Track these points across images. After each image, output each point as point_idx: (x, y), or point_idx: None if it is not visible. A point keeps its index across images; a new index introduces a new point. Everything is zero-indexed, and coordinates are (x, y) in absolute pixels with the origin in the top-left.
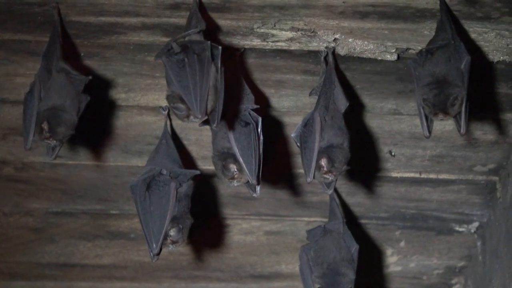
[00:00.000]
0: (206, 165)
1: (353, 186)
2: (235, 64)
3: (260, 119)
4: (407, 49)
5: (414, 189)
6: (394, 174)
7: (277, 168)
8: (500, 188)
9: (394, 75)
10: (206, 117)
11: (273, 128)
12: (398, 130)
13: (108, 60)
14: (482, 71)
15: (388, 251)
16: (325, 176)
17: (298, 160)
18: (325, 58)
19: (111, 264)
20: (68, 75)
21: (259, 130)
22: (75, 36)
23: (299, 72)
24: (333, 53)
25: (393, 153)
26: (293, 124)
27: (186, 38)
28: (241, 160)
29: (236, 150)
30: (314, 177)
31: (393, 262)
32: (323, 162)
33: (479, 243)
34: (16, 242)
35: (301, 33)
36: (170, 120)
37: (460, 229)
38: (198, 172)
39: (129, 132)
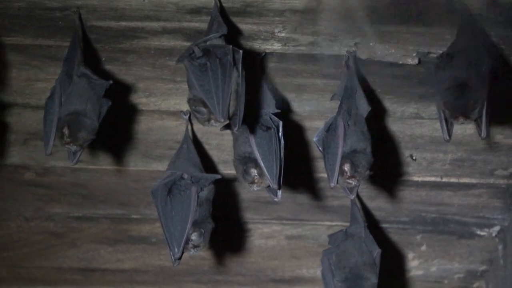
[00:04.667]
0: (227, 170)
1: (374, 190)
2: (256, 68)
3: (281, 123)
4: (428, 53)
5: (435, 193)
6: (415, 178)
7: (298, 173)
8: None
9: (415, 79)
10: (227, 121)
11: (294, 133)
12: (419, 134)
13: (129, 64)
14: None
15: (410, 255)
16: (348, 181)
17: (319, 164)
18: (346, 62)
19: (132, 269)
20: (89, 80)
21: (280, 134)
22: (95, 40)
23: (320, 76)
24: (354, 57)
25: (414, 157)
26: (314, 129)
27: (208, 42)
28: (262, 164)
29: (257, 155)
30: (337, 182)
31: (414, 266)
32: (347, 167)
33: (500, 247)
34: (37, 247)
35: (322, 37)
36: (191, 124)
37: (481, 233)
38: (219, 176)
39: (150, 137)
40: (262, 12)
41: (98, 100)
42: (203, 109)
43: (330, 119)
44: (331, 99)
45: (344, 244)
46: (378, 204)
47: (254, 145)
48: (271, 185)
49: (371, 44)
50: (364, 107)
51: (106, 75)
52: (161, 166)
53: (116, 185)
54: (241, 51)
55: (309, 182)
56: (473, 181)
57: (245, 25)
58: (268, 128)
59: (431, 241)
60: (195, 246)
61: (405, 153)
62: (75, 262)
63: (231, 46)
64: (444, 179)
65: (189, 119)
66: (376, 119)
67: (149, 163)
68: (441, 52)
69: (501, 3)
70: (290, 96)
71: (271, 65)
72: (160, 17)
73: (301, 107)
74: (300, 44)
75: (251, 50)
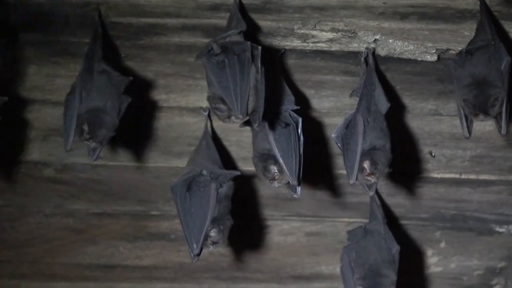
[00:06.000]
0: (247, 166)
1: (393, 187)
2: (275, 65)
3: (300, 120)
4: (447, 49)
5: (454, 189)
6: (434, 175)
7: (317, 169)
8: None
9: (434, 76)
10: (247, 118)
11: (313, 129)
12: (438, 131)
13: (149, 61)
14: None
15: (429, 252)
16: (367, 178)
17: (338, 161)
18: (365, 59)
19: (151, 265)
20: (109, 76)
21: (299, 131)
22: (115, 37)
23: (339, 73)
24: (373, 54)
25: (433, 154)
26: (333, 125)
27: (227, 39)
28: (281, 161)
29: (276, 151)
30: (356, 179)
31: (433, 263)
32: (366, 164)
33: None
34: (57, 244)
35: (341, 34)
36: (211, 121)
37: (500, 230)
38: (238, 173)
39: (170, 133)
40: (282, 8)
41: (118, 96)
42: (223, 106)
43: (349, 116)
44: (350, 96)
45: (363, 241)
46: (397, 200)
47: (273, 142)
48: (290, 182)
49: (390, 41)
50: (383, 104)
51: (126, 72)
52: (181, 163)
53: (135, 182)
54: (259, 47)
55: (328, 179)
56: (492, 178)
57: (264, 22)
58: (287, 124)
59: (450, 237)
60: (213, 243)
61: (424, 150)
62: (94, 259)
63: (249, 42)
64: (463, 176)
65: (209, 116)
66: (395, 115)
67: (168, 160)
68: (460, 48)
69: None
70: (309, 93)
71: (291, 61)
72: (180, 13)
73: (320, 103)
74: (319, 40)
75: (270, 46)
